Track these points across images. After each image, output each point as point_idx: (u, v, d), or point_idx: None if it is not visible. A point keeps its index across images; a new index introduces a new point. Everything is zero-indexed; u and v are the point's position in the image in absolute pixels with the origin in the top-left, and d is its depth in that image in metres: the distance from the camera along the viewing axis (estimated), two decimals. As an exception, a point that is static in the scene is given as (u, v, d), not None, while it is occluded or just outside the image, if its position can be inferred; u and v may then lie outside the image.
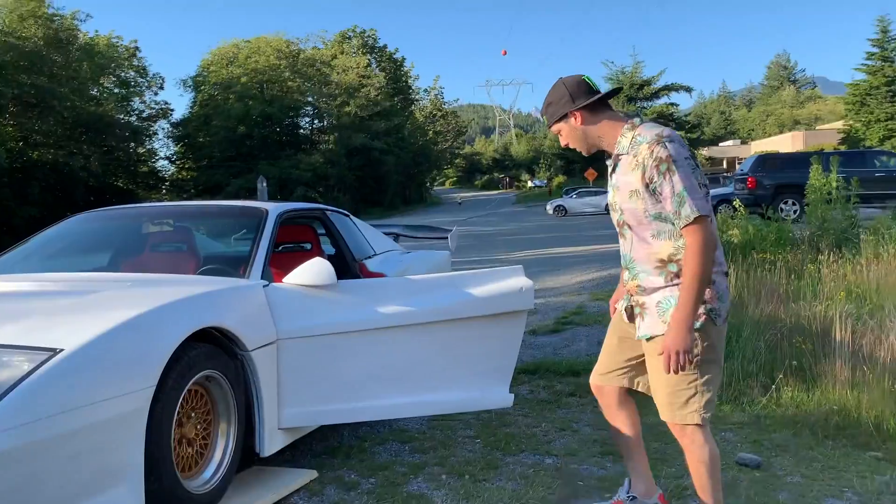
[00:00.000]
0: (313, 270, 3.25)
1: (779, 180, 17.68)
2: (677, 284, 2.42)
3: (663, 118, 59.41)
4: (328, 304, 3.28)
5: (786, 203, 17.08)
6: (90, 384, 2.27)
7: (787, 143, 49.50)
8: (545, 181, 69.88)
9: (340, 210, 4.72)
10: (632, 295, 2.60)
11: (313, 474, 3.37)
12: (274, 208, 3.86)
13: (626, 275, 2.63)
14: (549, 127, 2.65)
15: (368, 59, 54.28)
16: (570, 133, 2.58)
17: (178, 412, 2.64)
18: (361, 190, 51.25)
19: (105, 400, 2.29)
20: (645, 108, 60.53)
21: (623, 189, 2.51)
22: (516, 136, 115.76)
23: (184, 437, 2.72)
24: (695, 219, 2.33)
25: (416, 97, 68.00)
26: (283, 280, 3.32)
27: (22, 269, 3.73)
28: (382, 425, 4.24)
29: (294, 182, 44.74)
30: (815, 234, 8.40)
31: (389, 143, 50.64)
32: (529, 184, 77.82)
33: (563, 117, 2.56)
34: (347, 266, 4.28)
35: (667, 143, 2.39)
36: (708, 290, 2.40)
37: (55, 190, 36.54)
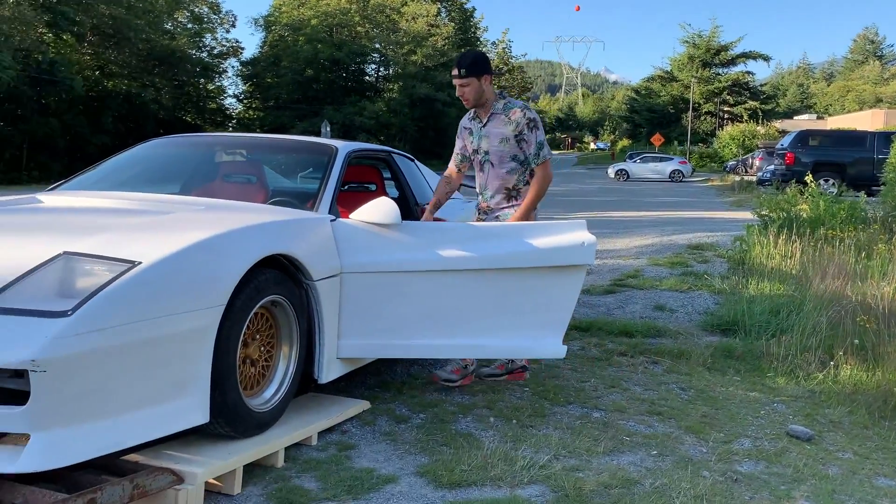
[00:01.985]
0: (380, 209, 3.31)
1: (817, 158, 17.24)
2: (515, 206, 3.80)
3: (738, 86, 57.44)
4: (392, 242, 3.34)
5: (825, 181, 16.55)
6: (165, 297, 2.38)
7: (866, 120, 47.28)
8: (608, 144, 68.59)
9: (406, 154, 4.75)
10: (484, 211, 3.94)
11: (366, 405, 3.48)
12: (343, 146, 3.91)
13: (480, 198, 3.97)
14: (461, 77, 3.68)
15: (438, 8, 53.58)
16: (475, 87, 3.71)
17: (244, 332, 2.75)
18: (422, 141, 51.18)
19: (178, 314, 2.39)
20: (720, 74, 58.51)
21: (493, 137, 3.78)
22: (583, 95, 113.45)
23: (248, 357, 2.83)
24: (544, 160, 3.77)
25: (484, 49, 67.04)
26: (350, 216, 3.39)
27: (101, 186, 3.88)
28: (432, 364, 4.33)
29: (356, 129, 44.93)
30: (889, 215, 8.10)
31: (453, 95, 50.13)
32: (592, 146, 76.56)
33: (481, 74, 3.70)
34: (410, 209, 4.33)
35: (531, 111, 3.79)
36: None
37: (127, 120, 37.50)
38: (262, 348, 2.92)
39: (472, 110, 3.91)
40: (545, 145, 3.79)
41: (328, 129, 32.42)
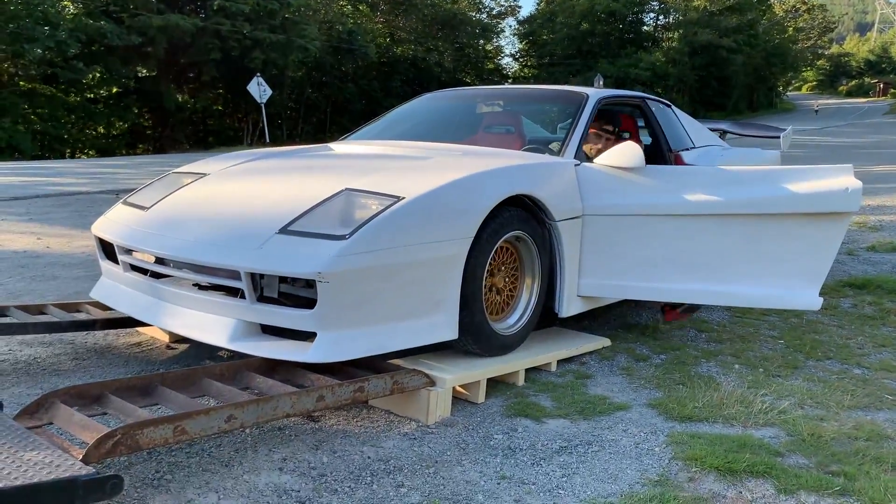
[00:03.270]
0: (623, 153, 3.40)
1: None
2: None
3: None
4: (635, 186, 3.42)
5: None
6: (422, 227, 2.74)
7: None
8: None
9: (662, 100, 4.70)
10: None
11: (607, 342, 3.63)
12: (594, 93, 4.03)
13: None
14: None
15: (726, -53, 49.63)
16: None
17: (491, 263, 3.05)
18: (703, 91, 48.38)
19: (432, 242, 2.75)
20: None
21: None
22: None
23: (494, 286, 3.13)
24: None
25: (779, -11, 60.96)
26: (595, 161, 3.52)
27: (379, 136, 4.44)
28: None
29: (632, 81, 43.75)
30: None
31: (739, 40, 46.56)
32: (910, 91, 66.28)
33: None
34: (663, 155, 4.32)
35: None
36: None
37: (413, 83, 40.36)
38: (507, 279, 3.20)
39: None
40: None
41: (601, 82, 31.99)
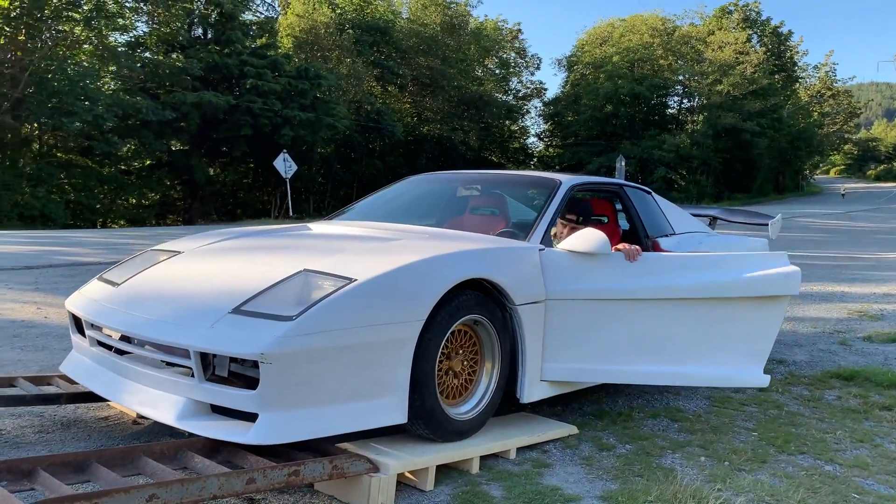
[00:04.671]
0: (586, 238, 3.45)
1: None
2: None
3: None
4: (598, 271, 3.46)
5: None
6: (372, 309, 2.77)
7: None
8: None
9: (641, 187, 4.76)
10: None
11: (573, 430, 3.58)
12: (567, 180, 4.10)
13: None
14: None
15: (748, 34, 50.68)
16: None
17: (446, 346, 3.06)
18: (727, 174, 48.56)
19: (382, 324, 2.77)
20: None
21: None
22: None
23: (451, 369, 3.14)
24: None
25: (802, 74, 61.73)
26: (557, 246, 3.56)
27: (364, 216, 4.54)
28: (658, 401, 4.27)
29: (655, 162, 44.18)
30: None
31: (763, 124, 46.96)
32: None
33: None
34: (640, 241, 4.35)
35: None
36: None
37: (438, 160, 41.16)
38: (465, 363, 3.20)
39: None
40: None
41: (623, 163, 32.35)
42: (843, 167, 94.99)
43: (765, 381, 3.59)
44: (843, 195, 53.55)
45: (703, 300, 3.46)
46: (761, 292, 3.46)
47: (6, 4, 25.78)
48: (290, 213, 27.38)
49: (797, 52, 58.84)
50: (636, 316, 3.46)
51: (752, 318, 3.49)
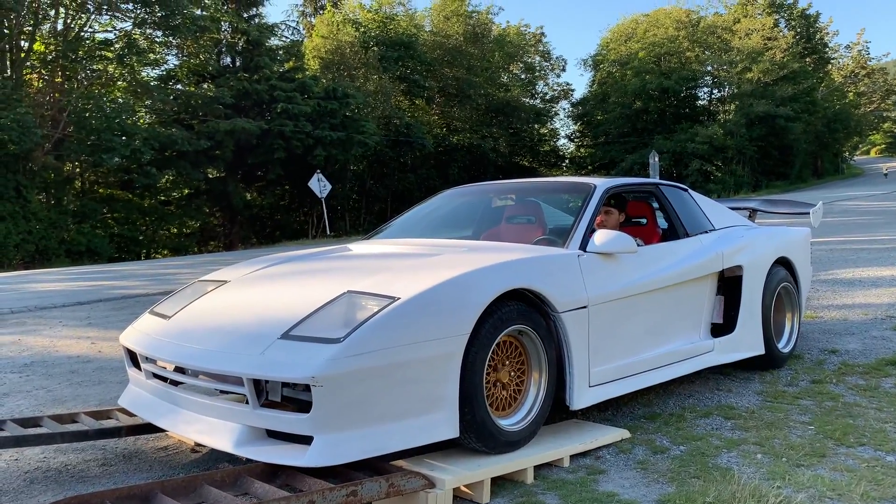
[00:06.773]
0: (611, 240, 3.57)
1: None
2: None
3: None
4: (624, 268, 3.70)
5: None
6: (417, 326, 2.81)
7: None
8: None
9: (677, 185, 4.72)
10: None
11: (625, 434, 3.57)
12: (602, 184, 4.10)
13: None
14: None
15: (775, 19, 49.84)
16: None
17: (492, 358, 3.08)
18: (763, 162, 47.73)
19: (428, 341, 2.81)
20: None
21: None
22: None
23: (498, 381, 3.15)
24: None
25: (834, 55, 60.47)
26: (587, 250, 3.59)
27: (401, 234, 4.59)
28: (710, 399, 4.23)
29: (689, 156, 43.63)
30: None
31: (797, 108, 46.09)
32: None
33: None
34: (679, 239, 4.33)
35: None
36: None
37: (470, 169, 41.26)
38: (513, 373, 3.22)
39: None
40: None
41: (657, 159, 32.00)
42: (883, 146, 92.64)
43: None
44: (885, 175, 52.19)
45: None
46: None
47: (42, 49, 26.62)
48: (328, 232, 27.68)
49: (827, 34, 57.70)
50: (649, 305, 3.85)
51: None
